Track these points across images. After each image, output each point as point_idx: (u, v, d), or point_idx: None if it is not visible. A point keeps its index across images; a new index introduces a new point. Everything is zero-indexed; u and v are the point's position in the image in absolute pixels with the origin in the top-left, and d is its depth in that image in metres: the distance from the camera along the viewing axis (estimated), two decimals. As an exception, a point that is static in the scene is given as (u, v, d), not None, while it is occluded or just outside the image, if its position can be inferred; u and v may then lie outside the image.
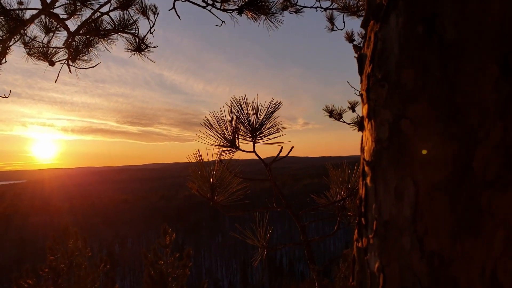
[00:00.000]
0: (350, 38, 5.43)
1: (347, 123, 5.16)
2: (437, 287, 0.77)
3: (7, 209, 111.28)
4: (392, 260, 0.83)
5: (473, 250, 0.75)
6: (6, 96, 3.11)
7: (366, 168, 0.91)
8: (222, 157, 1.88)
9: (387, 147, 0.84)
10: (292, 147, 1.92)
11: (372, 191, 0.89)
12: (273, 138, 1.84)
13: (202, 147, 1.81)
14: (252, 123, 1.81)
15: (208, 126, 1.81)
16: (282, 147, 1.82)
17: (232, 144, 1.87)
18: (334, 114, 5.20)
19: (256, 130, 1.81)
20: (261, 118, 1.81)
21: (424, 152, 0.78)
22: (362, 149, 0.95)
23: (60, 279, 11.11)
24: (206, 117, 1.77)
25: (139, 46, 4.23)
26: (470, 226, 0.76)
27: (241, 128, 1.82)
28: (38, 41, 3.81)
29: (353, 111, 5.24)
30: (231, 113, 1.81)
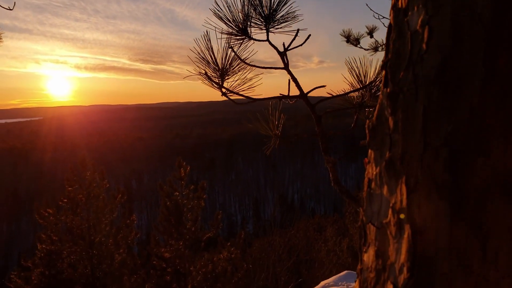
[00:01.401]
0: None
1: (365, 49, 4.89)
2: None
3: (26, 145, 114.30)
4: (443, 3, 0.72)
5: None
6: (11, 8, 2.94)
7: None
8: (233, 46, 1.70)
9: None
10: (309, 35, 1.74)
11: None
12: (288, 26, 1.65)
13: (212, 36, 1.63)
14: (266, 8, 1.61)
15: (218, 11, 1.60)
16: (298, 30, 1.63)
17: (243, 32, 1.68)
18: (352, 40, 4.93)
19: (270, 17, 1.62)
20: (275, 3, 1.60)
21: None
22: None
23: (78, 208, 11.46)
24: (215, 1, 1.57)
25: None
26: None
27: (253, 15, 1.62)
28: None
29: (371, 36, 4.95)
30: (242, -4, 1.60)
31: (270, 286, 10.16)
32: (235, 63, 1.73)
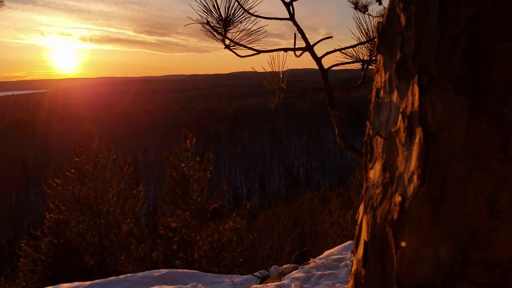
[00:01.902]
0: None
1: (373, 16, 4.78)
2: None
3: (33, 118, 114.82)
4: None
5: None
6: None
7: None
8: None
9: None
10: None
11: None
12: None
13: None
14: None
15: None
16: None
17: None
18: (360, 6, 4.82)
19: None
20: None
21: None
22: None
23: (86, 179, 11.60)
24: None
25: None
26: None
27: None
28: None
29: (380, 3, 4.83)
30: None
31: (274, 256, 10.30)
32: (239, 13, 1.68)
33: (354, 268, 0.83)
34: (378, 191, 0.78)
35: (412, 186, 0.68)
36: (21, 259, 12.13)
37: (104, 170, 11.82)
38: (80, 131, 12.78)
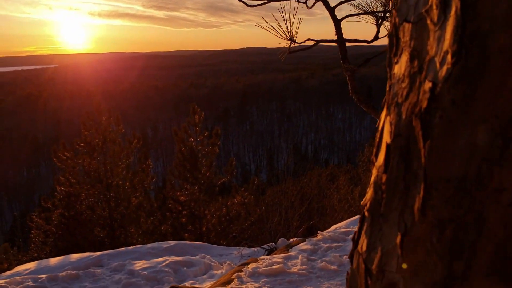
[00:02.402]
0: None
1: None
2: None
3: (43, 93, 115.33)
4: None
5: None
6: None
7: None
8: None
9: None
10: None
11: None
12: None
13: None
14: None
15: None
16: None
17: None
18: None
19: None
20: None
21: None
22: None
23: (95, 152, 11.70)
24: None
25: None
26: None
27: None
28: None
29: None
30: None
31: (282, 231, 10.37)
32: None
33: (373, 178, 0.79)
34: (404, 84, 0.71)
35: (445, 67, 0.61)
36: (33, 231, 12.38)
37: (113, 144, 11.89)
38: (90, 106, 12.80)
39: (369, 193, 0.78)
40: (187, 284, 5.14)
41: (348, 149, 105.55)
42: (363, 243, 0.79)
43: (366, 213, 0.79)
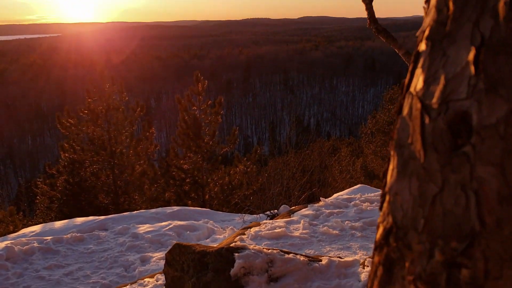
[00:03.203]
0: None
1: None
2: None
3: (46, 62, 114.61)
4: None
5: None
6: None
7: None
8: None
9: None
10: None
11: None
12: None
13: None
14: None
15: None
16: None
17: None
18: None
19: None
20: None
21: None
22: None
23: (99, 120, 11.72)
24: None
25: None
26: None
27: None
28: None
29: None
30: None
31: (283, 201, 10.48)
32: None
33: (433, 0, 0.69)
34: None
35: None
36: (38, 197, 12.53)
37: (117, 111, 11.89)
38: (93, 75, 12.73)
39: (429, 17, 0.69)
40: (190, 246, 5.24)
41: (350, 123, 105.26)
42: (418, 80, 0.68)
43: (422, 45, 0.68)
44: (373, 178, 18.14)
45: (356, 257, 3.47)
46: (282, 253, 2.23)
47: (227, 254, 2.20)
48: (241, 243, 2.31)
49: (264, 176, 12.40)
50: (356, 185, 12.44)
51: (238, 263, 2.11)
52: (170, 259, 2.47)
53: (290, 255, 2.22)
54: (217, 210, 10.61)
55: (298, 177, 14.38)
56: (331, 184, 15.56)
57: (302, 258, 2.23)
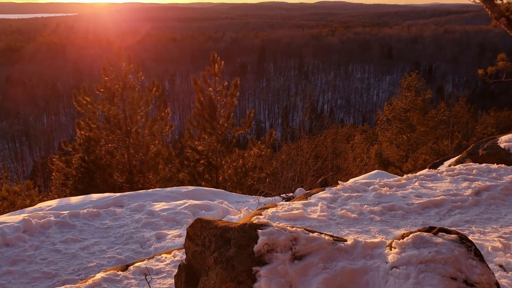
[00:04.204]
0: None
1: None
2: None
3: (63, 41, 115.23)
4: None
5: None
6: None
7: None
8: None
9: None
10: None
11: None
12: None
13: None
14: None
15: None
16: None
17: None
18: None
19: None
20: None
21: None
22: None
23: (115, 98, 11.72)
24: None
25: None
26: None
27: None
28: None
29: None
30: None
31: (296, 185, 10.44)
32: None
33: None
34: None
35: None
36: (53, 173, 12.65)
37: (132, 91, 11.89)
38: (109, 55, 12.68)
39: None
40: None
41: (365, 110, 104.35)
42: None
43: None
44: (388, 165, 17.98)
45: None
46: (307, 231, 2.18)
47: (250, 230, 2.16)
48: (265, 220, 2.26)
49: (278, 160, 12.37)
50: (370, 171, 12.35)
51: (261, 239, 2.07)
52: (191, 234, 2.44)
53: (315, 234, 2.17)
54: (230, 192, 10.64)
55: (311, 163, 14.35)
56: (345, 170, 15.47)
57: (327, 237, 2.18)
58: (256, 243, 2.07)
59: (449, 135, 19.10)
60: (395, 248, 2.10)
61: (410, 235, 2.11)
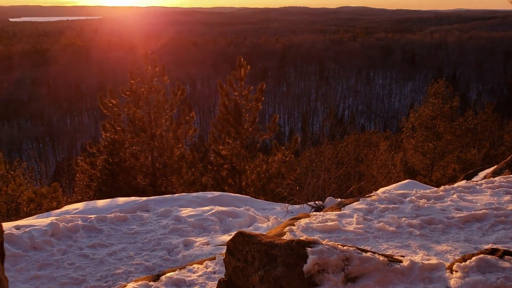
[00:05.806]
0: None
1: None
2: None
3: (87, 43, 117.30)
4: None
5: None
6: None
7: None
8: None
9: None
10: None
11: None
12: None
13: None
14: None
15: None
16: None
17: None
18: None
19: None
20: None
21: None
22: None
23: (140, 101, 11.75)
24: None
25: None
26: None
27: None
28: None
29: None
30: None
31: (318, 192, 10.24)
32: None
33: None
34: None
35: None
36: (78, 175, 12.74)
37: (158, 94, 11.90)
38: (132, 58, 12.74)
39: None
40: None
41: (386, 117, 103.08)
42: None
43: None
44: (413, 173, 17.57)
45: (417, 257, 3.24)
46: (359, 250, 2.03)
47: (298, 248, 2.02)
48: (312, 237, 2.12)
49: (300, 166, 12.19)
50: (395, 179, 12.04)
51: (311, 258, 1.93)
52: (232, 248, 2.31)
53: (368, 254, 2.02)
54: (253, 197, 10.51)
55: (333, 170, 14.10)
56: (368, 178, 15.17)
57: (381, 258, 2.02)
58: (306, 263, 1.93)
59: (476, 143, 18.60)
60: (456, 271, 1.94)
61: (473, 258, 1.95)
